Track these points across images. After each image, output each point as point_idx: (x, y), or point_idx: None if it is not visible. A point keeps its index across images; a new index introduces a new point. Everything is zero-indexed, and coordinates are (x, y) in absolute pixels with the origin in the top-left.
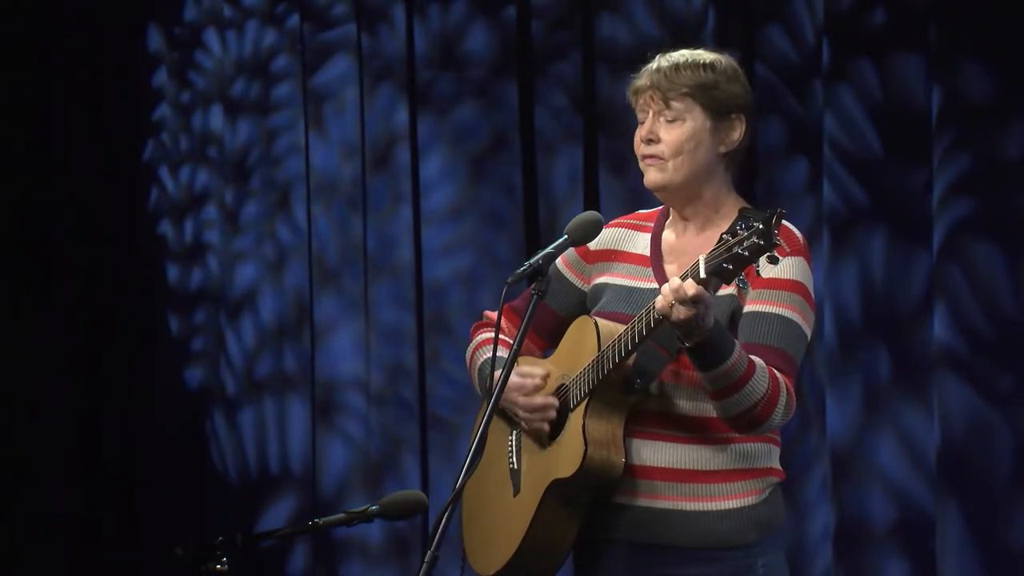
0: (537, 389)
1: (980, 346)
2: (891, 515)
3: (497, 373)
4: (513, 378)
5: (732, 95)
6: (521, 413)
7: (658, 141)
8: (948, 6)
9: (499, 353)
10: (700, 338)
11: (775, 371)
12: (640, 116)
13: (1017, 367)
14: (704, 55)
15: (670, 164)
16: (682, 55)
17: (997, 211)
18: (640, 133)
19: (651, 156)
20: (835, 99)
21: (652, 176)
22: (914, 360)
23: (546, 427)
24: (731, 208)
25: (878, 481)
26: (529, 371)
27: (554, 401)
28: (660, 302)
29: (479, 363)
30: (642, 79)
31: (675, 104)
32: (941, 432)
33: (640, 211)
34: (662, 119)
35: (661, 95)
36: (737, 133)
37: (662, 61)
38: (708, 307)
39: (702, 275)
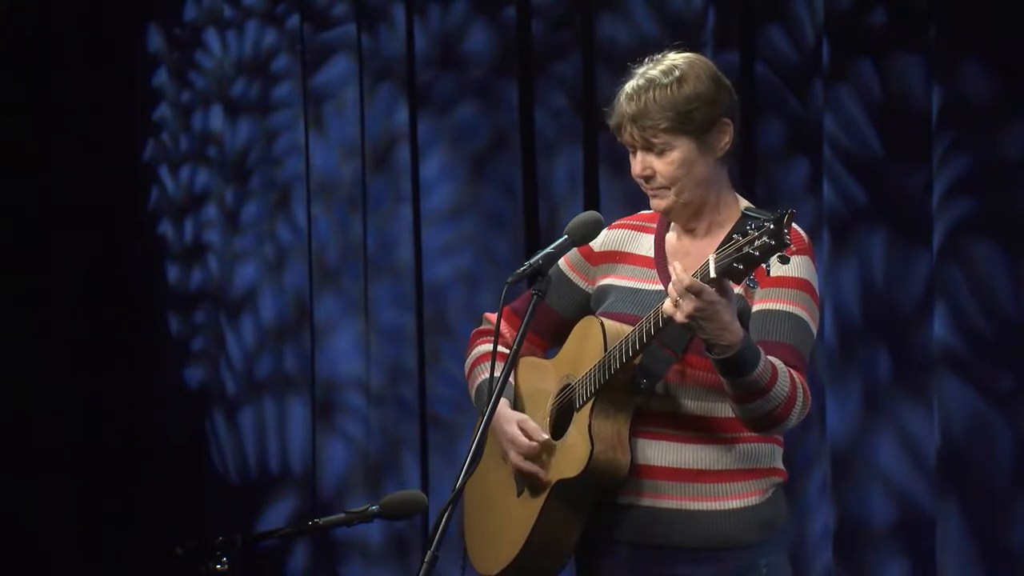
0: (532, 452)
1: (980, 346)
2: (891, 515)
3: (498, 372)
4: (512, 428)
5: (710, 105)
6: (511, 458)
7: (654, 175)
8: (948, 6)
9: (499, 370)
10: (728, 353)
11: (792, 371)
12: (625, 146)
13: (1017, 367)
14: (670, 71)
15: (672, 190)
16: (648, 80)
17: (997, 211)
18: (634, 171)
19: (652, 188)
20: (835, 99)
21: (659, 204)
22: (914, 360)
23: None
24: (733, 208)
25: (878, 481)
26: (532, 427)
27: (541, 473)
28: (666, 303)
29: (478, 382)
30: (617, 116)
31: (656, 140)
32: (941, 432)
33: (643, 211)
34: (651, 153)
35: (640, 133)
36: (726, 137)
37: (630, 91)
38: (713, 304)
39: (712, 275)
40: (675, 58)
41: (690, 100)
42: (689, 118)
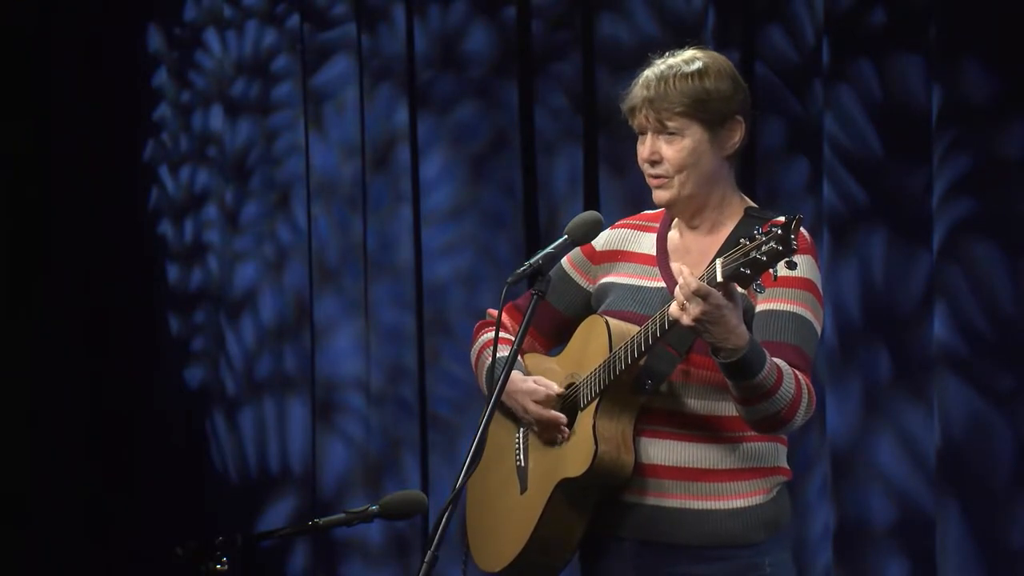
0: (549, 400)
1: (980, 346)
2: (891, 515)
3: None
4: (528, 383)
5: (726, 100)
6: (531, 419)
7: (661, 160)
8: (948, 6)
9: (503, 353)
10: (734, 357)
11: (797, 373)
12: (637, 132)
13: (1017, 367)
14: (692, 61)
15: (676, 180)
16: (669, 67)
17: (997, 211)
18: (642, 155)
19: (657, 176)
20: (835, 99)
21: (661, 195)
22: (914, 360)
23: (558, 437)
24: (736, 207)
25: (878, 481)
26: (546, 382)
27: (564, 419)
28: (672, 305)
29: (486, 365)
30: (634, 98)
31: (670, 124)
32: (941, 432)
33: (646, 212)
34: (661, 137)
35: (655, 115)
36: (737, 135)
37: (650, 76)
38: (720, 308)
39: (719, 279)
40: (696, 52)
41: (709, 92)
42: (706, 107)
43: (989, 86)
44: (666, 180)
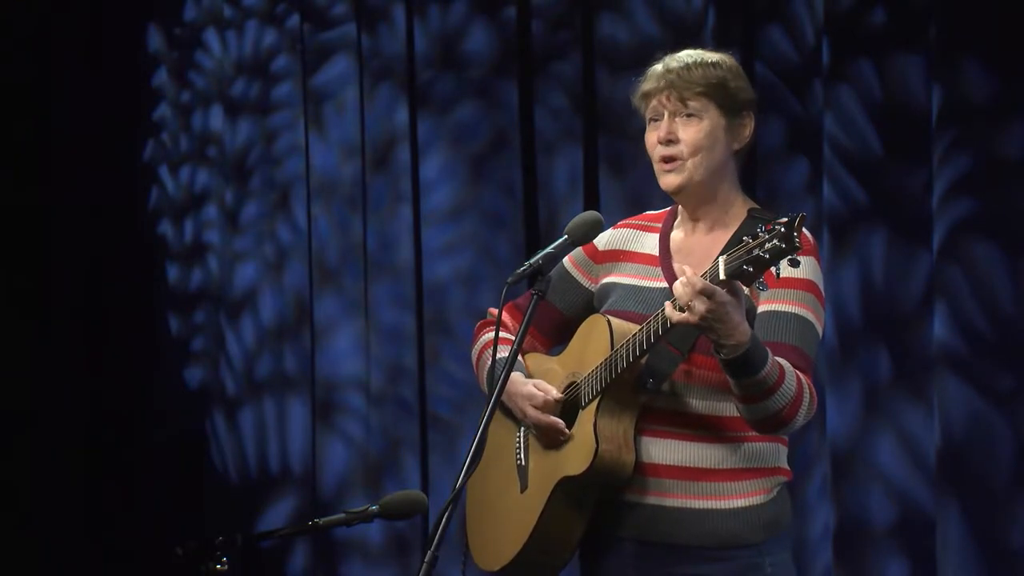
0: (547, 406)
1: (980, 346)
2: (891, 515)
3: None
4: (527, 387)
5: (742, 92)
6: (529, 423)
7: (677, 141)
8: (948, 6)
9: (504, 353)
10: (736, 353)
11: (798, 373)
12: (650, 118)
13: (1017, 367)
14: (708, 54)
15: (689, 163)
16: (688, 55)
17: (997, 211)
18: (658, 135)
19: (670, 158)
20: (835, 99)
21: (671, 179)
22: (914, 360)
23: (558, 441)
24: (740, 208)
25: (878, 481)
26: (545, 387)
27: (562, 424)
28: (672, 306)
29: (487, 365)
30: (652, 82)
31: (691, 103)
32: (941, 432)
33: (648, 212)
34: (678, 119)
35: (677, 95)
36: (748, 130)
37: (670, 62)
38: (724, 305)
39: (722, 276)
40: (710, 51)
41: (727, 79)
42: (725, 92)
43: (989, 86)
44: (679, 163)
